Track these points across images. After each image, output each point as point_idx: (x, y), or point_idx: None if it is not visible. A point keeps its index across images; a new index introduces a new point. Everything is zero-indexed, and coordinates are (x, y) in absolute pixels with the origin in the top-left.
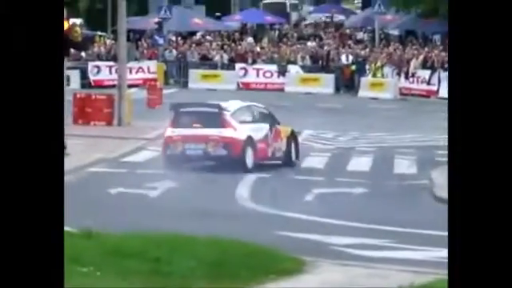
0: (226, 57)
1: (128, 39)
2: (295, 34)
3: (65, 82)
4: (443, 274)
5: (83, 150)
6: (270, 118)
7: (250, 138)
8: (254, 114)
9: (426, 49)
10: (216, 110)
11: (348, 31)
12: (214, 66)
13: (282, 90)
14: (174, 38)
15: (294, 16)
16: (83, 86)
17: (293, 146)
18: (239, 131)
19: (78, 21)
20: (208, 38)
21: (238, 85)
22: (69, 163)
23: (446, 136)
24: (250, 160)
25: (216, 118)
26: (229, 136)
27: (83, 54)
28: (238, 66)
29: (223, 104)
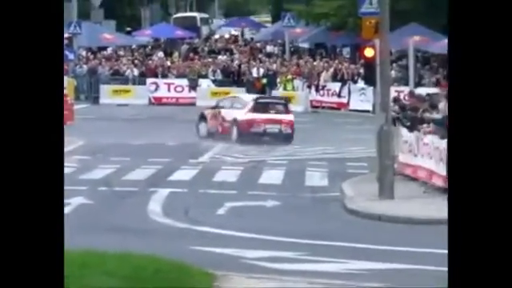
0: (136, 71)
1: None
2: (206, 48)
3: None
4: (351, 285)
5: None
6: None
7: None
8: None
9: (336, 61)
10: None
11: (258, 45)
12: (125, 81)
13: (193, 104)
14: (84, 53)
15: (205, 30)
16: None
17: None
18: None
19: None
20: (119, 53)
21: (150, 99)
22: None
23: (356, 148)
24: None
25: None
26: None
27: None
28: (149, 80)
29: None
